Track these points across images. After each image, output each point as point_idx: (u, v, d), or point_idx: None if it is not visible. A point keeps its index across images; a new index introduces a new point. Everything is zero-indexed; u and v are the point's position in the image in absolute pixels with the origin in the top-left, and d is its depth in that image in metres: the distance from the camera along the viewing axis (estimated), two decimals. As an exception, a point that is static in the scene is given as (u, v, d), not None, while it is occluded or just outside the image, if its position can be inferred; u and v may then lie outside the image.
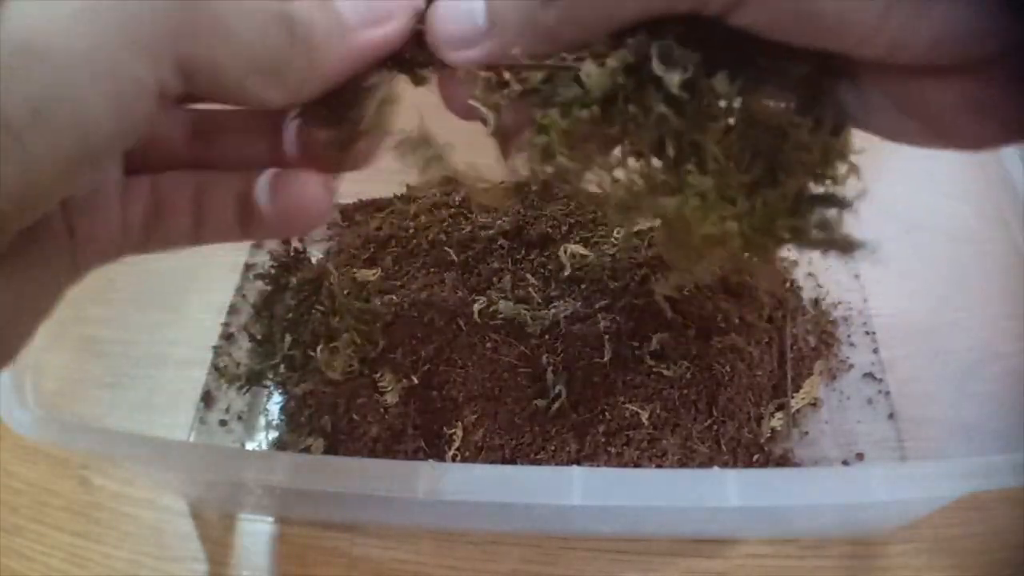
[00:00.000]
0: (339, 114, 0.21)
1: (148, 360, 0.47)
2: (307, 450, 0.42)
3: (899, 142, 0.21)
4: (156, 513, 0.45)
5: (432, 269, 0.45)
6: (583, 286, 0.44)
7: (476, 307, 0.44)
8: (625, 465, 0.39)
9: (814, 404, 0.44)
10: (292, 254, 0.52)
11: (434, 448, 0.41)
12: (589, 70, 0.19)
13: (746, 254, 0.21)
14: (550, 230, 0.46)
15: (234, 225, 0.23)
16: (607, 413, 0.40)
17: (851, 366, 0.47)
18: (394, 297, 0.44)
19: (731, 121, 0.20)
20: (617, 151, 0.21)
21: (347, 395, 0.42)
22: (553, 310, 0.43)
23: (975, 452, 0.37)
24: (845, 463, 0.43)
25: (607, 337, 0.41)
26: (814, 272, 0.51)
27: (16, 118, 0.15)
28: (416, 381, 0.41)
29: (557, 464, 0.39)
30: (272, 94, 0.19)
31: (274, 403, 0.47)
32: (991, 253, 0.40)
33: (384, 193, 0.53)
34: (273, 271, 0.51)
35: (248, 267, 0.54)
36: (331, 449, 0.41)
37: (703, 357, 0.41)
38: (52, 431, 0.33)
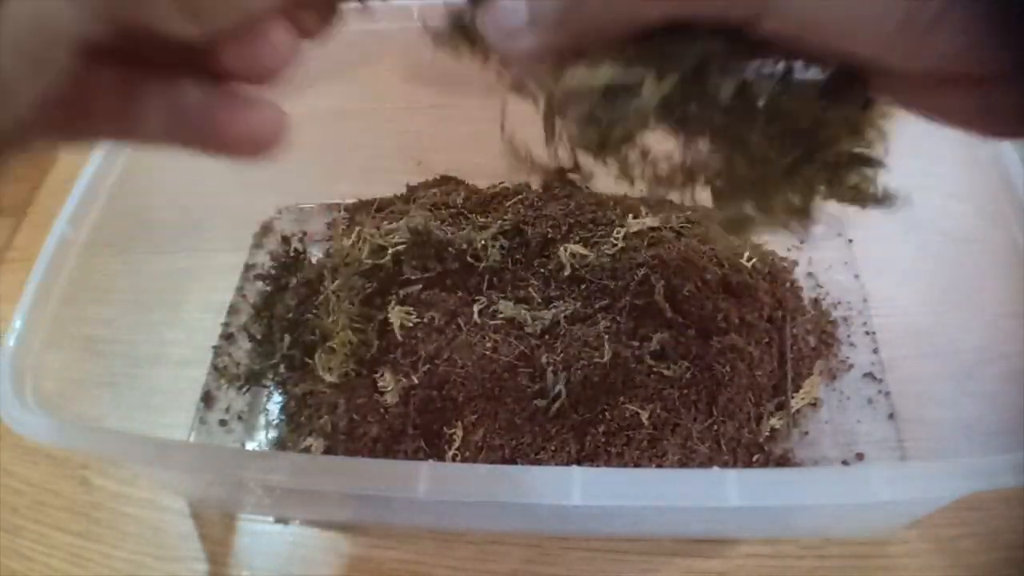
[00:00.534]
0: None
1: (148, 360, 0.47)
2: (307, 450, 0.42)
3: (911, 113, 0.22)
4: (156, 513, 0.45)
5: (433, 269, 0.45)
6: (583, 286, 0.44)
7: (476, 307, 0.44)
8: (625, 465, 0.39)
9: (814, 404, 0.44)
10: (292, 254, 0.52)
11: (434, 448, 0.41)
12: (648, 85, 0.20)
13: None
14: (550, 230, 0.46)
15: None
16: (607, 413, 0.40)
17: (851, 366, 0.47)
18: (393, 299, 0.44)
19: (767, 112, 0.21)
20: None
21: (347, 395, 0.42)
22: (553, 310, 0.43)
23: (975, 452, 0.37)
24: (845, 463, 0.43)
25: (607, 337, 0.41)
26: (814, 272, 0.51)
27: None
28: (416, 381, 0.41)
29: (557, 464, 0.39)
30: (189, 28, 0.18)
31: (274, 403, 0.47)
32: (991, 253, 0.40)
33: (384, 193, 0.54)
34: (273, 271, 0.52)
35: (248, 267, 0.54)
36: (331, 449, 0.41)
37: (703, 357, 0.41)
38: (52, 431, 0.33)
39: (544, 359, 0.41)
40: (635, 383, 0.41)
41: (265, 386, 0.47)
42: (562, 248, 0.45)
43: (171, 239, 0.50)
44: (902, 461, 0.42)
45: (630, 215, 0.46)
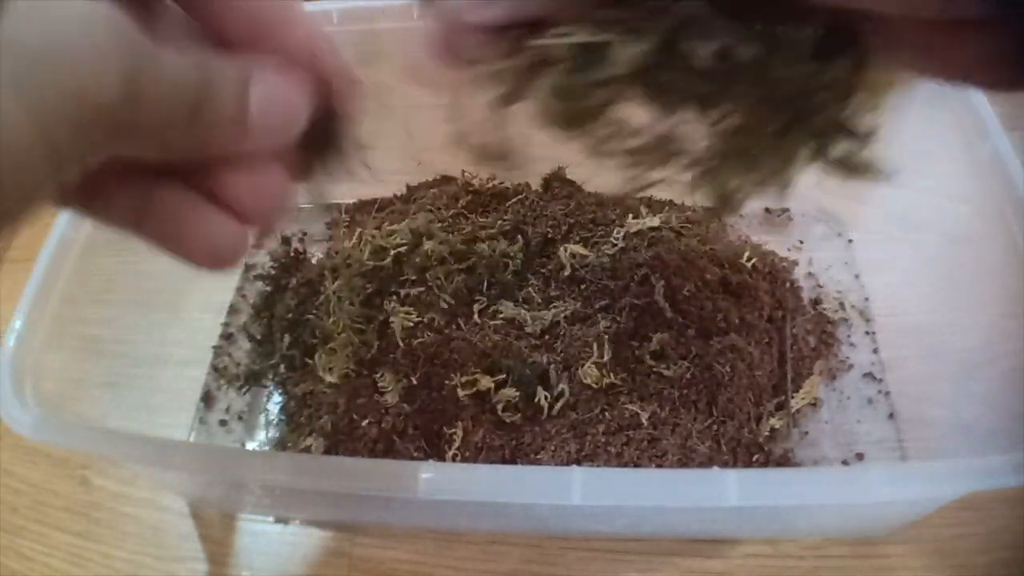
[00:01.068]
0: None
1: (148, 360, 0.47)
2: (307, 450, 0.42)
3: (913, 76, 0.21)
4: (156, 513, 0.45)
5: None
6: (583, 286, 0.44)
7: (476, 307, 0.44)
8: (625, 465, 0.39)
9: (814, 404, 0.44)
10: (292, 255, 0.52)
11: (434, 448, 0.41)
12: (622, 47, 0.19)
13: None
14: (550, 230, 0.46)
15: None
16: (607, 413, 0.40)
17: (851, 366, 0.47)
18: (393, 299, 0.44)
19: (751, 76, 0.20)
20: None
21: (347, 395, 0.42)
22: (553, 310, 0.43)
23: (975, 452, 0.37)
24: (845, 463, 0.43)
25: (607, 337, 0.41)
26: (814, 272, 0.51)
27: None
28: (416, 381, 0.41)
29: (557, 464, 0.39)
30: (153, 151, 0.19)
31: (274, 403, 0.47)
32: (991, 253, 0.40)
33: (384, 193, 0.53)
34: (273, 272, 0.51)
35: (248, 267, 0.54)
36: (331, 449, 0.41)
37: (703, 357, 0.41)
38: (52, 431, 0.33)
39: (544, 359, 0.41)
40: (635, 383, 0.41)
41: (265, 386, 0.47)
42: (562, 248, 0.45)
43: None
44: (902, 461, 0.42)
45: (630, 215, 0.46)
